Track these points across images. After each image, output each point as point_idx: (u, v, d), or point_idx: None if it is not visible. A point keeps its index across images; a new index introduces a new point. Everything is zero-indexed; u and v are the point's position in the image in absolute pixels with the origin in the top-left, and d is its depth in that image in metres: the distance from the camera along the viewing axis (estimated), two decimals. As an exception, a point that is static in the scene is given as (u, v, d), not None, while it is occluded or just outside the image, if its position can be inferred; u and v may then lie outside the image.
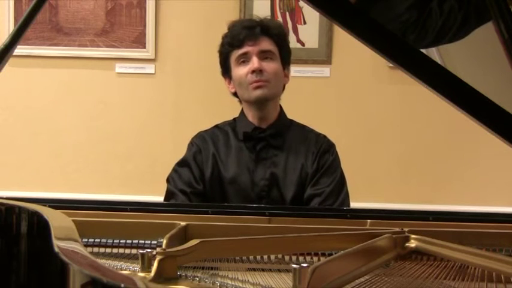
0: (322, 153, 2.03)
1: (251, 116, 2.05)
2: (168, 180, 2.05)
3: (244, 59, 2.01)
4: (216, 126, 2.13)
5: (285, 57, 2.06)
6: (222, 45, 2.08)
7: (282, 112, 2.09)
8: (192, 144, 2.08)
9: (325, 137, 2.10)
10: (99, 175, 3.19)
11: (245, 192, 1.98)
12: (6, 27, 3.12)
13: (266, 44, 2.01)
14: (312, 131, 2.11)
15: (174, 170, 2.05)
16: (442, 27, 1.47)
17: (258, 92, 1.99)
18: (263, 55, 2.00)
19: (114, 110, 3.20)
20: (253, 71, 1.97)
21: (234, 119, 2.12)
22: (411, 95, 3.09)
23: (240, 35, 2.01)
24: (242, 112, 2.09)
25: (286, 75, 2.08)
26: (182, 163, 2.05)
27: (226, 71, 2.09)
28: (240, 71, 2.01)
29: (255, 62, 1.98)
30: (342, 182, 2.03)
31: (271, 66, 2.00)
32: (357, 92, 3.17)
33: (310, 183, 2.00)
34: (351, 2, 1.30)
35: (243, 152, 2.03)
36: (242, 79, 2.00)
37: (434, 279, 1.23)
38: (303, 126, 2.12)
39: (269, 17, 2.22)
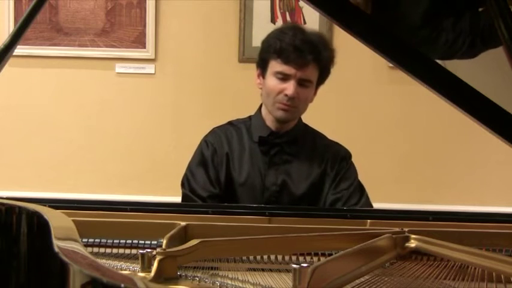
0: (338, 161, 2.01)
1: (269, 121, 2.01)
2: (182, 184, 2.00)
3: (283, 77, 1.92)
4: (230, 123, 2.08)
5: (323, 79, 2.00)
6: (269, 45, 1.96)
7: (299, 119, 2.05)
8: (206, 143, 2.02)
9: (340, 145, 2.07)
10: (99, 175, 3.19)
11: (255, 196, 1.96)
12: (6, 27, 3.12)
13: (309, 73, 1.93)
14: (326, 138, 2.09)
15: (190, 171, 2.00)
16: (452, 45, 1.47)
17: (280, 113, 1.95)
18: (302, 82, 1.92)
19: (114, 110, 3.20)
20: (285, 94, 1.92)
21: (250, 117, 2.07)
22: (411, 95, 3.09)
23: (289, 54, 1.90)
24: (260, 111, 2.04)
25: (315, 93, 2.02)
26: (198, 164, 2.00)
27: (262, 67, 1.99)
28: (273, 83, 1.94)
29: (291, 89, 1.90)
30: (361, 186, 2.02)
31: (305, 94, 1.94)
32: (357, 92, 3.17)
33: (329, 189, 1.98)
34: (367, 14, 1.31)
35: (256, 154, 2.00)
36: (272, 93, 1.94)
37: (434, 279, 1.23)
38: (318, 134, 2.09)
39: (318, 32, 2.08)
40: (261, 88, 2.01)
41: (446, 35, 1.46)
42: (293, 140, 2.01)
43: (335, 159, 2.02)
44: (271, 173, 1.98)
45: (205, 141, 2.04)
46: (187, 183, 1.99)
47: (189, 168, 2.02)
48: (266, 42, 1.98)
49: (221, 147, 2.00)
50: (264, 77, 1.98)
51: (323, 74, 1.99)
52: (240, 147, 2.01)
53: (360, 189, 2.01)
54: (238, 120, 2.09)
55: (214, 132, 2.06)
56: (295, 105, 1.94)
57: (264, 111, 2.03)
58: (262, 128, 2.01)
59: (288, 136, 2.01)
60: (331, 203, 1.96)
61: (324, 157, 2.01)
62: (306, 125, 2.09)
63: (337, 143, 2.08)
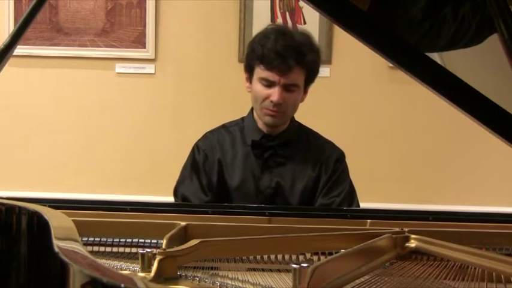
0: (332, 163, 1.99)
1: (261, 123, 1.98)
2: (175, 193, 2.00)
3: (268, 83, 1.89)
4: (224, 126, 2.06)
5: (311, 80, 1.97)
6: (252, 50, 1.93)
7: (292, 119, 2.02)
8: (198, 149, 2.01)
9: (334, 145, 2.05)
10: (99, 175, 3.19)
11: (249, 200, 1.94)
12: (6, 27, 3.12)
13: (295, 77, 1.89)
14: (320, 138, 2.06)
15: (182, 178, 1.99)
16: (455, 33, 1.46)
17: (268, 119, 1.93)
18: (287, 87, 1.89)
19: (114, 110, 3.20)
20: (271, 101, 1.89)
21: (242, 119, 2.05)
22: (411, 95, 3.09)
23: (272, 60, 1.86)
24: (252, 113, 2.02)
25: (306, 92, 1.98)
26: (190, 170, 1.99)
27: (248, 72, 1.97)
28: (258, 89, 1.91)
29: (276, 95, 1.87)
30: (352, 192, 2.00)
31: (292, 98, 1.91)
32: (356, 92, 3.17)
33: (320, 192, 1.96)
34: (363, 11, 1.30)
35: (250, 157, 1.98)
36: (258, 99, 1.92)
37: (434, 279, 1.23)
38: (312, 133, 2.06)
39: (302, 30, 2.00)
40: (250, 92, 1.99)
41: (449, 23, 1.44)
42: (286, 142, 1.99)
43: (329, 162, 1.99)
44: (265, 176, 1.97)
45: (196, 146, 2.02)
46: (179, 190, 1.99)
47: (181, 175, 2.01)
48: (250, 47, 1.96)
49: (212, 153, 1.99)
50: (250, 82, 1.96)
51: (310, 76, 1.95)
52: (233, 151, 1.99)
53: (350, 196, 1.99)
54: (231, 122, 2.07)
55: (206, 137, 2.04)
56: (282, 110, 1.91)
57: (255, 113, 2.01)
58: (254, 131, 2.00)
59: (281, 138, 1.99)
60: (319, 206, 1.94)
61: (318, 159, 1.99)
62: (299, 125, 2.06)
63: (331, 143, 2.06)
